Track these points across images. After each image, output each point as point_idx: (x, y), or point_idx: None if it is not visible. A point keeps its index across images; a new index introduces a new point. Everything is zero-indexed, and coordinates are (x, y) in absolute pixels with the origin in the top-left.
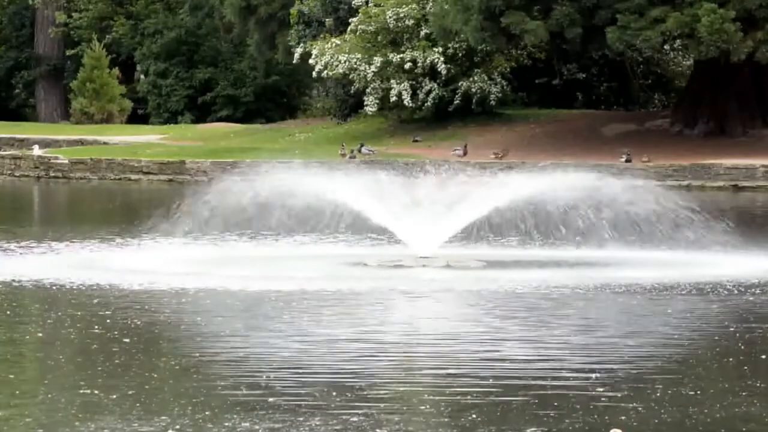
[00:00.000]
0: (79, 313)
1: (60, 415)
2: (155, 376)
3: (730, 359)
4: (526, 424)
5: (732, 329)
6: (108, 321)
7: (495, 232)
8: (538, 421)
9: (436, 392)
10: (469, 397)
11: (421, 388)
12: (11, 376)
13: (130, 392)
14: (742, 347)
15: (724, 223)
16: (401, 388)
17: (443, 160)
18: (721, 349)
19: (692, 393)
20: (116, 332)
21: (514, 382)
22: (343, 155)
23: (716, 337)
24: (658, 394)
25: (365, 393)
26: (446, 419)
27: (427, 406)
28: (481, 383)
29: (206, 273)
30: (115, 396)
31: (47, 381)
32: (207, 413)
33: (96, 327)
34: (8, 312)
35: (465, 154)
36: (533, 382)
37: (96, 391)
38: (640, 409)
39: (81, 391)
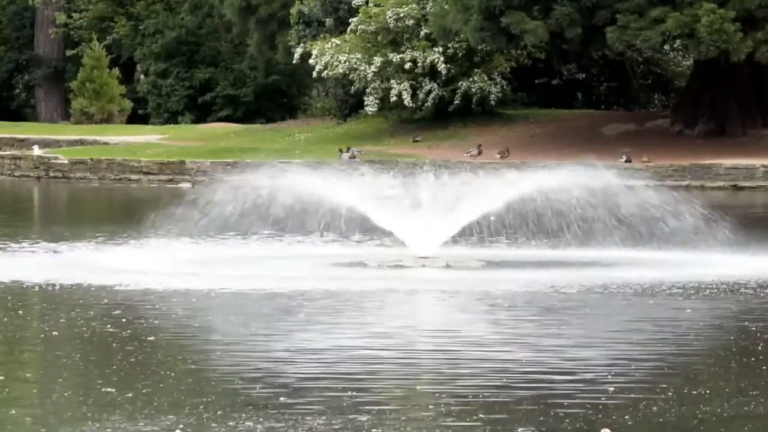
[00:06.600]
0: (91, 312)
1: (69, 414)
2: (171, 374)
3: (751, 359)
4: (531, 423)
5: (753, 329)
6: (123, 320)
7: (495, 232)
8: (543, 420)
9: (438, 392)
10: (471, 396)
11: (423, 388)
12: (28, 375)
13: (145, 390)
14: (761, 347)
15: (735, 223)
16: (403, 388)
17: (443, 160)
18: (737, 349)
19: (705, 391)
20: (130, 331)
21: (519, 383)
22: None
23: (733, 337)
24: (670, 393)
25: (367, 393)
26: (450, 419)
27: (430, 406)
28: (485, 383)
29: (209, 274)
30: (130, 394)
31: (62, 379)
32: (219, 412)
33: (109, 326)
34: (19, 311)
35: (480, 153)
36: (539, 383)
37: (111, 390)
38: (652, 407)
39: (96, 390)
